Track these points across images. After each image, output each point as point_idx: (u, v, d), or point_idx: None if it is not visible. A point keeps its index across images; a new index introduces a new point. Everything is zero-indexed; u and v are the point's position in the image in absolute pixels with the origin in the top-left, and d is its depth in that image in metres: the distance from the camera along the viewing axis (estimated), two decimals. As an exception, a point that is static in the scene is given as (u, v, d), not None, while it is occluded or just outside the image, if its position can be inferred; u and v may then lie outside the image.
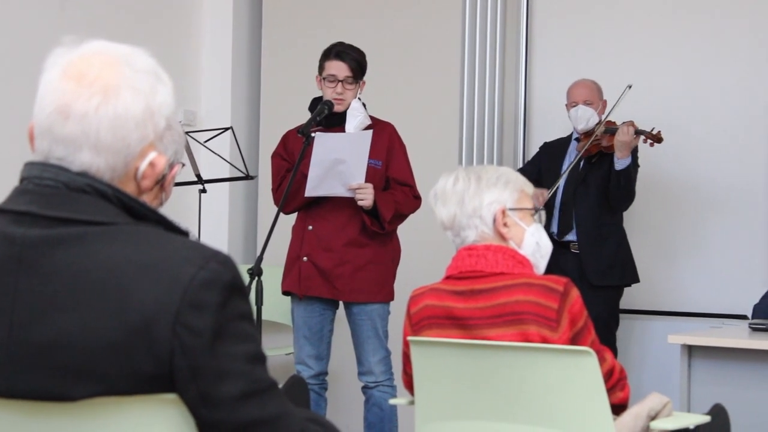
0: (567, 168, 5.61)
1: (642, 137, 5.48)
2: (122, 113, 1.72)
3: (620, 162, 5.45)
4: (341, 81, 4.89)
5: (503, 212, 3.05)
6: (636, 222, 6.03)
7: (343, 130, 4.89)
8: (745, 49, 6.06)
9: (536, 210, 3.15)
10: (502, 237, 3.05)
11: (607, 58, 6.27)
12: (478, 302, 2.96)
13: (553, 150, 5.86)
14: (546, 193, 5.50)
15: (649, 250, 6.12)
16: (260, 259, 4.51)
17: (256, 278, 4.44)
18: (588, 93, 5.73)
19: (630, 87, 5.48)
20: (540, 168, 5.82)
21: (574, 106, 5.73)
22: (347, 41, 5.04)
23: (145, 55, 1.80)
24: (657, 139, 5.47)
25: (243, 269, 4.45)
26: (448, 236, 3.13)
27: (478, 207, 3.04)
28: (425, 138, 5.96)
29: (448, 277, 3.07)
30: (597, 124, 5.64)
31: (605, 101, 5.74)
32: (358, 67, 4.93)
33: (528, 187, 3.15)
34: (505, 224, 3.05)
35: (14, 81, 5.05)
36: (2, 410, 1.69)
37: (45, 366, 1.64)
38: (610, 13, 6.36)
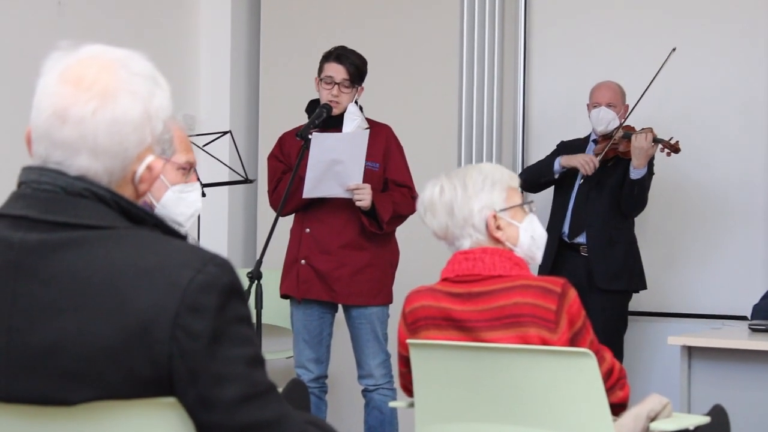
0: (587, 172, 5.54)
1: (659, 146, 5.45)
2: (120, 117, 1.72)
3: (636, 171, 5.41)
4: (338, 83, 4.88)
5: (495, 217, 3.02)
6: (639, 225, 6.01)
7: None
8: (745, 54, 6.04)
9: (527, 203, 3.13)
10: (497, 240, 3.04)
11: (605, 59, 6.26)
12: (476, 305, 2.95)
13: (571, 150, 5.76)
14: (596, 159, 5.48)
15: (651, 252, 6.11)
16: (260, 262, 4.50)
17: (256, 282, 4.43)
18: (612, 95, 5.66)
19: (675, 50, 5.47)
20: None
21: (597, 107, 5.66)
22: (345, 44, 5.03)
23: (142, 59, 1.79)
24: (675, 149, 5.43)
25: (243, 273, 4.45)
26: (443, 244, 3.13)
27: (469, 216, 3.01)
28: (424, 140, 5.96)
29: (444, 280, 3.06)
30: (616, 128, 5.61)
31: (627, 105, 5.67)
32: (356, 72, 4.92)
33: (513, 180, 3.10)
34: (498, 227, 3.02)
35: (11, 85, 5.05)
36: (1, 415, 1.69)
37: (44, 370, 1.64)
38: (609, 13, 6.35)
